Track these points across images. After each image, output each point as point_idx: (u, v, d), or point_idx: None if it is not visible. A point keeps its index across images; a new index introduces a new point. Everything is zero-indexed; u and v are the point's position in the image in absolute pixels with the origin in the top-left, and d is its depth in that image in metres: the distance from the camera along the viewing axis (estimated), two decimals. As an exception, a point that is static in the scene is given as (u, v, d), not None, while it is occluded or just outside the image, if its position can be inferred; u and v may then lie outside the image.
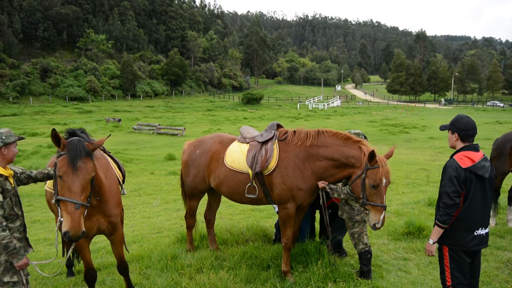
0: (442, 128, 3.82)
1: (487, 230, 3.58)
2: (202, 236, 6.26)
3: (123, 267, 4.46)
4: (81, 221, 3.30)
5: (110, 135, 4.23)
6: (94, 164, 3.59)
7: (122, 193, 4.87)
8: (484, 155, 3.55)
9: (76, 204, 3.29)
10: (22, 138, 3.75)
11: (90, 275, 4.24)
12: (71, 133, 3.83)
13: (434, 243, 3.64)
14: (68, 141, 3.48)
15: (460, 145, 3.60)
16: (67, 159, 3.37)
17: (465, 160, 3.46)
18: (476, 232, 3.49)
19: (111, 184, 4.13)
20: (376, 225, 4.20)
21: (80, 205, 3.31)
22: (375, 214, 4.19)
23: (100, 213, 4.01)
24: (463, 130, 3.55)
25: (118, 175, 4.54)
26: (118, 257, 4.44)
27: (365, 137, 5.12)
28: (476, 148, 3.56)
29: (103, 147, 4.68)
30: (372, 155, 4.13)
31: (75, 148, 3.40)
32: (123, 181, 4.81)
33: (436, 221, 3.56)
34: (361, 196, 4.27)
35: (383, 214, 4.19)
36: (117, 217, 4.21)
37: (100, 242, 7.05)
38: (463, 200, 3.47)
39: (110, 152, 4.93)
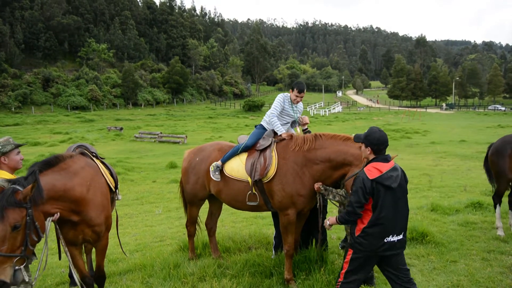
0: (357, 140, 3.96)
1: (400, 237, 3.65)
2: (205, 244, 6.24)
3: (99, 276, 4.50)
4: None
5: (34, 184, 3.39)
6: (25, 213, 3.30)
7: (116, 198, 4.89)
8: (394, 165, 3.67)
9: None
10: (20, 145, 3.73)
11: (86, 283, 4.25)
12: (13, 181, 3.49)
13: (330, 225, 3.97)
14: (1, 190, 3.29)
15: (372, 157, 3.75)
16: None
17: (373, 171, 3.59)
18: (387, 239, 3.59)
19: (95, 195, 4.09)
20: None
21: None
22: None
23: (83, 224, 4.02)
24: (376, 144, 3.69)
25: (109, 182, 4.53)
26: (97, 265, 4.47)
27: None
28: (386, 159, 3.69)
29: (95, 153, 4.75)
30: None
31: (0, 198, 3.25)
32: (116, 187, 4.79)
33: (338, 218, 3.83)
34: None
35: None
36: (101, 226, 4.17)
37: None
38: (372, 209, 3.60)
39: (104, 159, 4.95)
